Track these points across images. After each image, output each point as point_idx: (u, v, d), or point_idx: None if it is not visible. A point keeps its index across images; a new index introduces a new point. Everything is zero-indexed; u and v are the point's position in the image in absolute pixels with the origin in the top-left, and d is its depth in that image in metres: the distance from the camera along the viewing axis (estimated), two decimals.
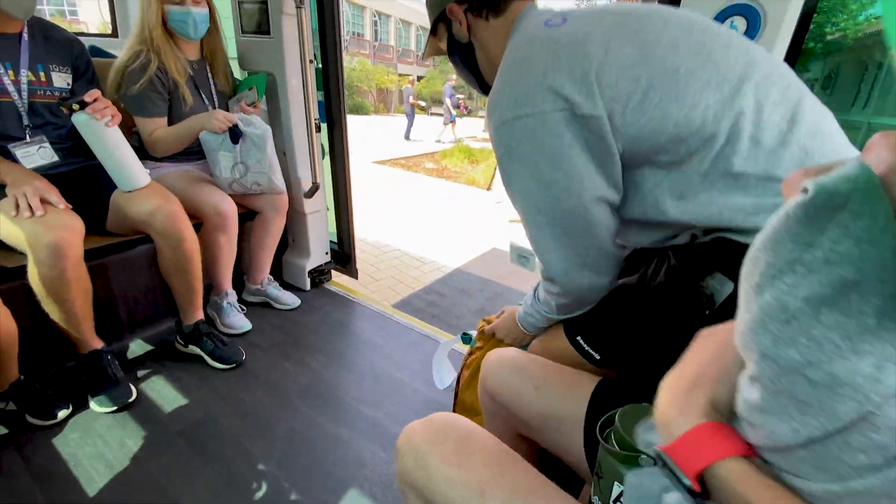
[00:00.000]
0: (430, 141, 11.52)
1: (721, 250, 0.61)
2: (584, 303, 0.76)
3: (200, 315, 1.54)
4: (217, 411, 1.33)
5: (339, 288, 2.13)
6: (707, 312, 0.64)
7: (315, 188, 1.88)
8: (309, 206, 1.93)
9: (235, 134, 1.51)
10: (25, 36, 1.26)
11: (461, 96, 13.78)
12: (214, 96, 1.65)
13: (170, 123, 1.55)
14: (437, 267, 3.40)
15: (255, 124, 1.55)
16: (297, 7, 1.55)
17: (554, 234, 0.67)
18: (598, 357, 0.75)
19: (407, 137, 11.68)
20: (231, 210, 1.54)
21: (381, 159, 8.43)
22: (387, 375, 1.54)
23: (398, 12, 28.66)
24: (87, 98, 1.21)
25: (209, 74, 1.63)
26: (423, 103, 15.49)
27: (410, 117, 11.93)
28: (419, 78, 33.11)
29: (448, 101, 11.99)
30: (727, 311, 0.62)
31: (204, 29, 1.52)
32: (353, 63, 21.93)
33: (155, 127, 1.51)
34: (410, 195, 5.95)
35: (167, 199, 1.35)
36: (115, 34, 2.08)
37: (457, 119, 12.37)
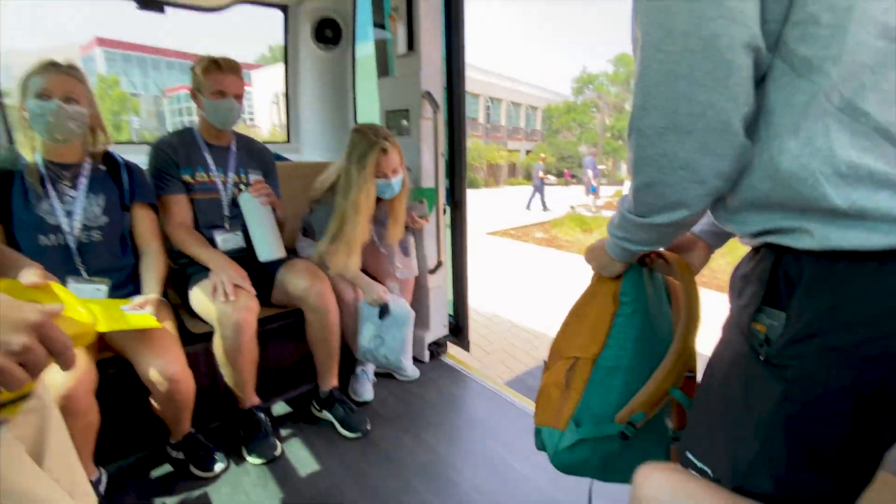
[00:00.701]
0: (555, 211, 11.89)
1: (771, 269, 0.53)
2: (665, 194, 0.57)
3: (335, 382, 1.67)
4: (342, 482, 1.38)
5: (455, 361, 2.15)
6: (763, 359, 0.52)
7: (439, 265, 2.00)
8: (432, 281, 2.05)
9: (383, 310, 1.65)
10: (233, 147, 1.64)
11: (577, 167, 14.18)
12: (383, 248, 1.81)
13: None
14: (550, 341, 3.25)
15: (401, 304, 1.67)
16: (434, 111, 1.77)
17: (671, 72, 0.50)
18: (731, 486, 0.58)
19: (531, 207, 12.64)
20: (349, 292, 1.71)
21: (492, 230, 8.70)
22: (505, 465, 1.45)
23: (509, 96, 30.90)
24: (252, 181, 1.53)
25: (389, 223, 1.77)
26: (552, 178, 16.04)
27: (541, 190, 12.89)
28: (527, 152, 34.45)
29: (590, 173, 12.57)
30: (789, 353, 0.50)
31: (398, 191, 1.67)
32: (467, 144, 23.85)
33: (330, 248, 1.68)
34: (521, 265, 5.95)
35: (318, 277, 1.56)
36: (288, 141, 2.58)
37: (597, 189, 12.94)
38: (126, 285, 1.36)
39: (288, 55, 2.42)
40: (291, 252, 1.77)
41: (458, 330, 2.20)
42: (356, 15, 2.29)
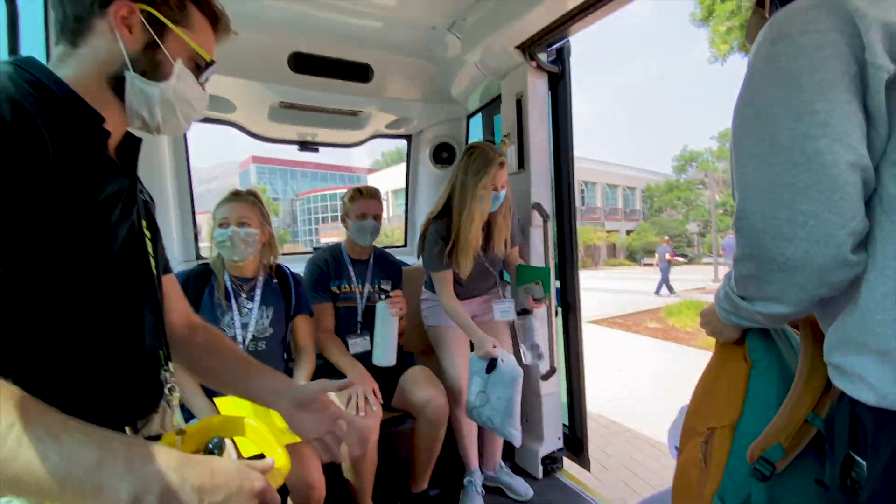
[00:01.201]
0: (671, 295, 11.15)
1: (850, 418, 0.55)
2: (764, 289, 0.60)
3: (426, 485, 1.70)
4: None
5: (572, 480, 1.96)
6: None
7: (552, 372, 1.93)
8: (545, 388, 1.97)
9: (491, 364, 1.62)
10: (371, 261, 1.86)
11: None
12: (487, 262, 1.81)
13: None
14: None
15: (509, 362, 1.63)
16: (544, 221, 1.86)
17: (772, 181, 0.54)
18: None
19: (659, 292, 11.74)
20: (463, 384, 1.71)
21: (595, 318, 8.21)
22: None
23: (603, 178, 30.86)
24: (391, 293, 1.66)
25: (493, 236, 1.78)
26: (681, 259, 14.67)
27: (665, 273, 12.11)
28: (628, 232, 33.12)
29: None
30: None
31: (499, 206, 1.72)
32: None
33: (448, 284, 1.73)
34: (635, 362, 5.43)
35: (438, 390, 1.62)
36: (405, 245, 2.86)
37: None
38: None
39: (409, 174, 2.78)
40: (409, 354, 1.87)
41: (576, 444, 2.04)
42: (468, 138, 2.58)
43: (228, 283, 1.49)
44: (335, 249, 1.83)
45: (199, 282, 1.49)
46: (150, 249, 0.71)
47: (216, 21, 0.70)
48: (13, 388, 0.41)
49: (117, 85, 0.63)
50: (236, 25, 0.73)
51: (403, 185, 2.88)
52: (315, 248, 2.44)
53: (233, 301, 1.48)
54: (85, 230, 0.57)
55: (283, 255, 2.25)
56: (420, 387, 1.62)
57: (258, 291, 1.52)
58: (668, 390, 4.27)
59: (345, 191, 1.86)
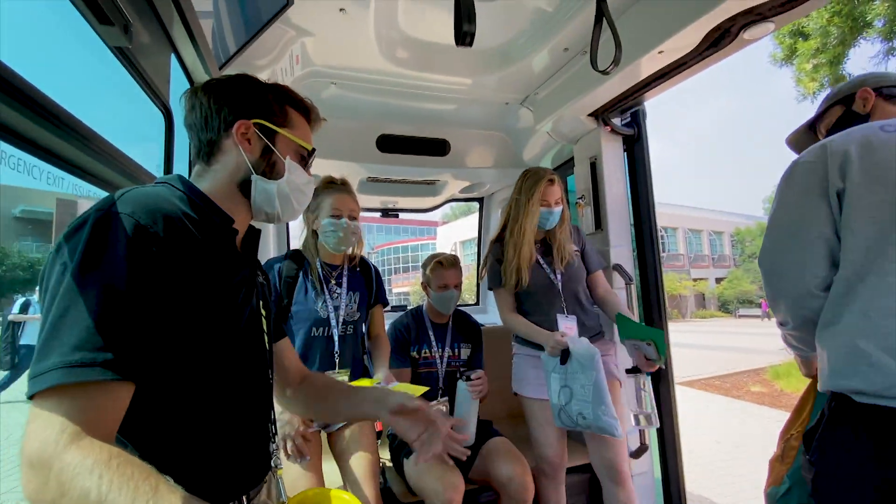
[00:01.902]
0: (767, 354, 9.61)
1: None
2: (776, 309, 0.99)
3: None
4: None
5: None
6: (807, 456, 0.93)
7: (643, 449, 1.77)
8: (635, 466, 1.80)
9: (564, 356, 1.51)
10: (451, 324, 1.89)
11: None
12: (557, 275, 1.71)
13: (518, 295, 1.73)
14: None
15: (582, 343, 1.51)
16: (627, 284, 1.79)
17: (778, 240, 0.95)
18: None
19: None
20: (555, 457, 1.61)
21: (687, 379, 7.41)
22: None
23: (685, 223, 28.95)
24: (473, 376, 1.61)
25: (553, 251, 1.73)
26: None
27: None
28: (717, 280, 30.24)
29: None
30: (814, 458, 0.90)
31: (557, 220, 1.70)
32: None
33: (505, 301, 1.72)
34: (738, 433, 4.75)
35: (523, 468, 1.55)
36: (477, 303, 2.88)
37: None
38: (358, 376, 1.56)
39: (481, 233, 2.85)
40: (487, 423, 1.82)
41: None
42: None
43: (320, 269, 1.54)
44: (417, 314, 1.89)
45: (296, 263, 1.54)
46: (264, 327, 0.81)
47: (308, 113, 0.83)
48: (147, 466, 0.48)
49: (244, 188, 0.76)
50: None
51: (471, 235, 2.97)
52: (394, 308, 2.53)
53: (323, 285, 1.52)
54: (221, 310, 0.67)
55: None
56: (503, 461, 1.57)
57: (345, 279, 1.57)
58: None
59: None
